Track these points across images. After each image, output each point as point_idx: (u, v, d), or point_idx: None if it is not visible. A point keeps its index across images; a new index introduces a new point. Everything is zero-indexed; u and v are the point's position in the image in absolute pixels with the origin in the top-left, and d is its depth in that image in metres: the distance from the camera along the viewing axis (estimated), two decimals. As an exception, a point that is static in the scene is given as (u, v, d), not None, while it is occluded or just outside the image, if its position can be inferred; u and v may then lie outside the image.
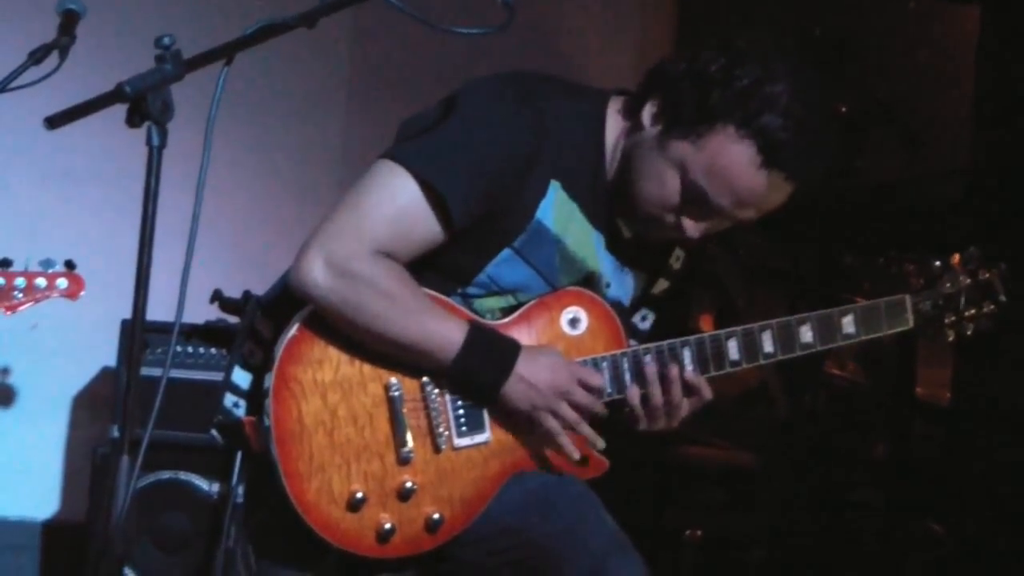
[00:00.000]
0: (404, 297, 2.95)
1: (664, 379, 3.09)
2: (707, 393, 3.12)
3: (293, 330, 2.96)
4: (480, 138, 2.97)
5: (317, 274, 2.91)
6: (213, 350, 5.03)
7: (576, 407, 3.05)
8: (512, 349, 3.01)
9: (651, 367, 3.10)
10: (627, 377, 3.11)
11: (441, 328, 2.97)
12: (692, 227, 3.05)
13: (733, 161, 2.94)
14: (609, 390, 3.11)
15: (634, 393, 3.09)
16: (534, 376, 3.00)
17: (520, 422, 3.07)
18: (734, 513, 5.80)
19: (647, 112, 3.03)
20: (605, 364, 3.11)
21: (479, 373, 2.99)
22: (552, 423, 3.04)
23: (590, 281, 3.16)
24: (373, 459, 2.99)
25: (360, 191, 2.98)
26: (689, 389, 3.11)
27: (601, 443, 3.10)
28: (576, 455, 3.07)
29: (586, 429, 3.07)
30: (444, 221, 2.95)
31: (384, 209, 2.95)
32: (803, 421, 5.80)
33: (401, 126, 3.11)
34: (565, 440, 3.06)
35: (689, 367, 3.12)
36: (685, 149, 2.97)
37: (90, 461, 5.10)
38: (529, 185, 3.02)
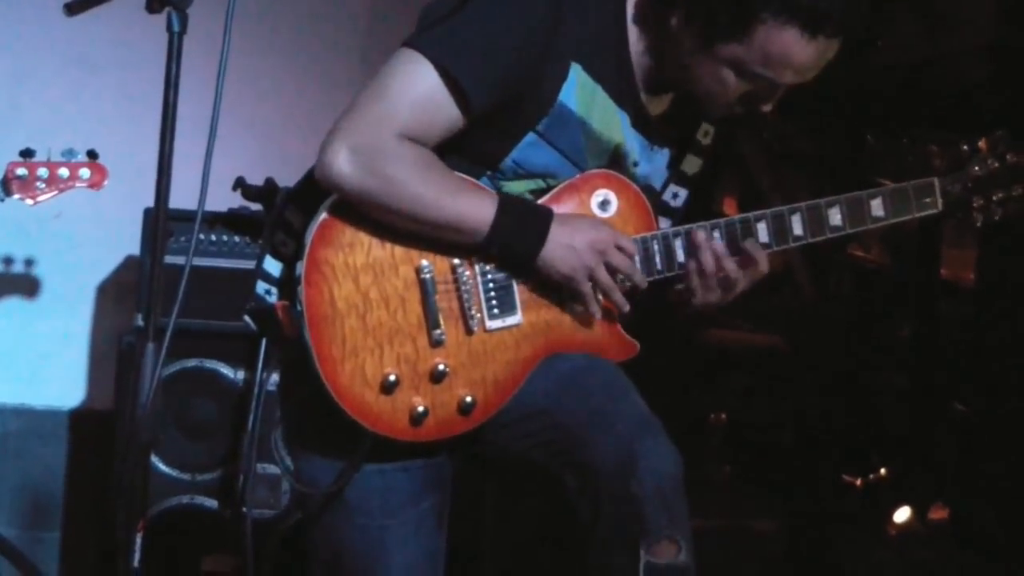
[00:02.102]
0: (433, 176, 2.95)
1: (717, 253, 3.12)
2: (764, 265, 3.16)
3: (324, 214, 2.95)
4: (498, 22, 2.96)
5: (343, 163, 2.89)
6: (236, 238, 5.04)
7: (612, 270, 3.06)
8: (545, 215, 3.02)
9: (704, 238, 3.12)
10: (679, 254, 3.13)
11: (473, 202, 2.98)
12: (764, 103, 3.08)
13: (784, 45, 2.94)
14: (660, 268, 3.13)
15: (692, 265, 3.11)
16: (571, 238, 3.02)
17: (552, 296, 3.09)
18: (760, 396, 5.81)
19: (675, 18, 3.02)
20: (655, 242, 3.14)
21: (516, 242, 3.00)
22: (587, 287, 3.06)
23: (617, 158, 3.16)
24: (405, 342, 2.99)
25: (380, 80, 2.97)
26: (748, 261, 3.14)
27: (627, 306, 3.11)
28: (599, 314, 3.10)
29: (617, 296, 3.08)
30: (463, 106, 2.95)
31: (405, 95, 2.94)
32: (828, 304, 5.80)
33: (422, 12, 3.09)
34: (594, 304, 3.08)
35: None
36: (734, 49, 2.97)
37: (116, 349, 5.12)
38: (550, 69, 3.01)
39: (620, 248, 3.07)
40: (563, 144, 3.08)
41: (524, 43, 2.96)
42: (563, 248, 3.02)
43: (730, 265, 3.11)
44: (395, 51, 3.00)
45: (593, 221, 3.08)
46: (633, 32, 3.10)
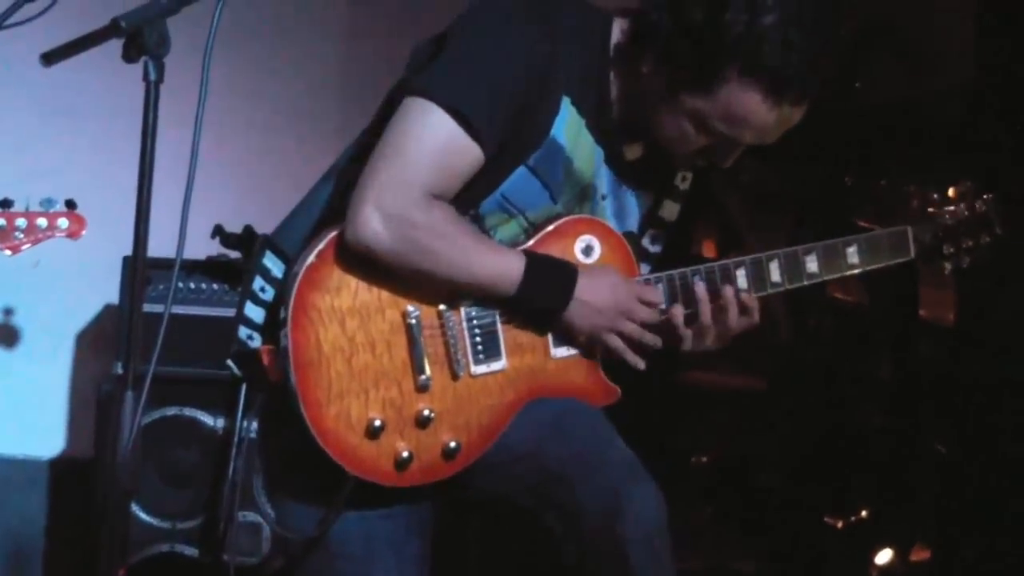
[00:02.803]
0: (462, 237, 2.97)
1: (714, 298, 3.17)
2: (756, 316, 3.22)
3: (312, 257, 2.94)
4: (497, 56, 2.96)
5: (377, 228, 2.90)
6: (215, 285, 5.02)
7: (637, 322, 3.10)
8: (570, 274, 3.06)
9: (700, 285, 3.17)
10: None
11: (502, 261, 3.01)
12: (722, 160, 3.10)
13: (746, 106, 2.95)
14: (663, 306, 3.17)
15: (677, 311, 3.15)
16: (595, 298, 3.06)
17: (536, 342, 3.11)
18: (740, 437, 5.81)
19: (646, 65, 3.04)
20: (660, 284, 3.18)
21: (541, 300, 3.04)
22: (616, 342, 3.11)
23: (586, 194, 3.17)
24: (391, 386, 2.99)
25: (398, 137, 2.95)
26: (743, 308, 3.19)
27: (641, 364, 3.16)
28: (641, 365, 3.14)
29: (648, 338, 3.13)
30: (481, 144, 2.95)
31: (425, 150, 2.93)
32: (808, 344, 5.80)
33: (413, 53, 3.10)
34: (631, 355, 3.13)
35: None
36: (697, 102, 2.98)
37: (95, 398, 5.10)
38: (544, 101, 3.03)
39: (644, 300, 3.12)
40: (548, 177, 3.09)
41: (524, 77, 2.98)
42: (586, 308, 3.06)
43: (732, 315, 3.16)
44: (403, 103, 2.99)
45: (616, 279, 3.11)
46: (612, 72, 3.12)
